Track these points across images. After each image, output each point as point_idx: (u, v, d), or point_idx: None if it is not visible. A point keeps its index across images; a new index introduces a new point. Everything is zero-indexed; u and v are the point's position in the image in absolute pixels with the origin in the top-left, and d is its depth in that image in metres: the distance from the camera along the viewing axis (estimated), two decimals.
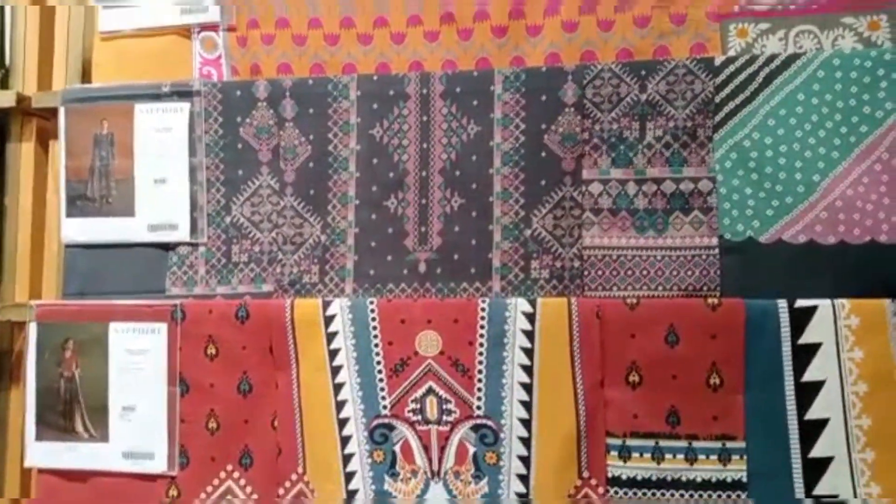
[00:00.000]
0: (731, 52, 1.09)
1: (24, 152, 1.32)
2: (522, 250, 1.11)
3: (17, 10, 1.34)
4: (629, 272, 1.07)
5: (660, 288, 1.05)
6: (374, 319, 1.08)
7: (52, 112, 1.30)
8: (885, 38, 1.05)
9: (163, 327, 1.15)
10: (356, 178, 1.17)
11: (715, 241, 1.04)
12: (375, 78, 1.19)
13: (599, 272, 1.08)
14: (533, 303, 1.05)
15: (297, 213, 1.19)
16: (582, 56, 1.16)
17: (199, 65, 1.29)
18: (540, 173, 1.11)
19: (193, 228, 1.22)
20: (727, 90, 1.06)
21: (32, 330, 1.19)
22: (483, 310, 1.05)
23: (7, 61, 1.35)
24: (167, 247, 1.23)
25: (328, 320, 1.10)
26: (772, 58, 1.05)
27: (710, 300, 1.00)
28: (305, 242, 1.18)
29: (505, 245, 1.11)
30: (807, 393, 0.96)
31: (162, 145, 1.23)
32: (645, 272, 1.06)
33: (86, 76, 1.33)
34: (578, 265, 1.09)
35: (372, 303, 1.09)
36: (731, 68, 1.06)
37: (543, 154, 1.12)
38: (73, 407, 1.18)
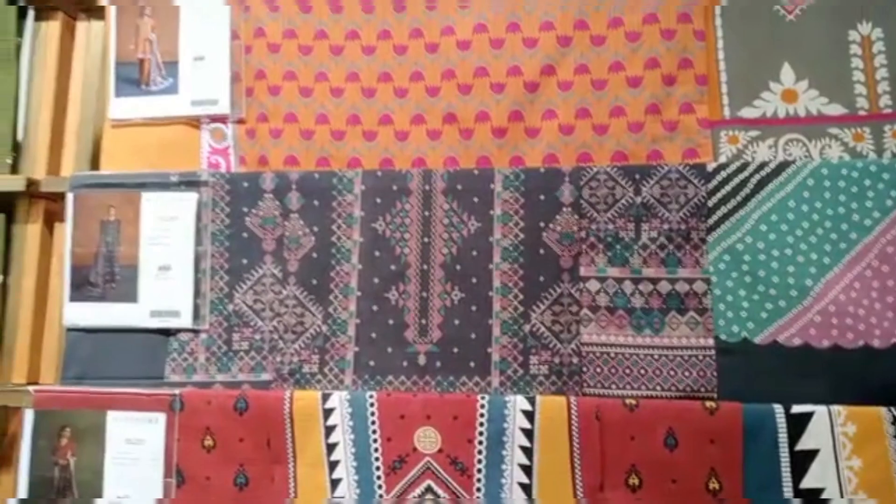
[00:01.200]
0: (723, 158, 1.11)
1: (30, 234, 1.30)
2: (521, 345, 1.09)
3: (31, 95, 1.34)
4: (627, 370, 1.05)
5: (658, 388, 1.03)
6: (373, 414, 1.05)
7: (61, 194, 1.28)
8: (868, 150, 1.06)
9: (161, 417, 1.12)
10: (358, 269, 1.16)
11: (711, 341, 1.03)
12: (379, 173, 1.19)
13: (598, 369, 1.06)
14: (532, 401, 1.02)
15: (299, 302, 1.17)
16: (578, 158, 1.17)
17: (207, 154, 1.29)
18: (538, 270, 1.11)
19: (196, 315, 1.19)
20: (719, 195, 1.06)
21: (28, 417, 1.15)
22: (483, 406, 1.03)
23: (19, 146, 1.34)
24: (168, 333, 1.20)
25: (327, 413, 1.07)
26: (762, 165, 1.06)
27: (708, 404, 0.98)
28: (306, 332, 1.16)
29: (504, 340, 1.09)
30: (806, 500, 0.93)
31: (168, 233, 1.22)
32: (643, 371, 1.05)
33: (95, 162, 1.32)
34: (577, 362, 1.07)
35: (371, 396, 1.06)
36: (723, 174, 1.06)
37: (542, 251, 1.11)
38: (65, 497, 1.13)
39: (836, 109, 1.09)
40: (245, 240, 1.20)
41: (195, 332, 1.19)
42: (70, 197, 1.25)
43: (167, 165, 1.27)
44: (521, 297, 1.10)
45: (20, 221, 1.31)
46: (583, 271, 1.09)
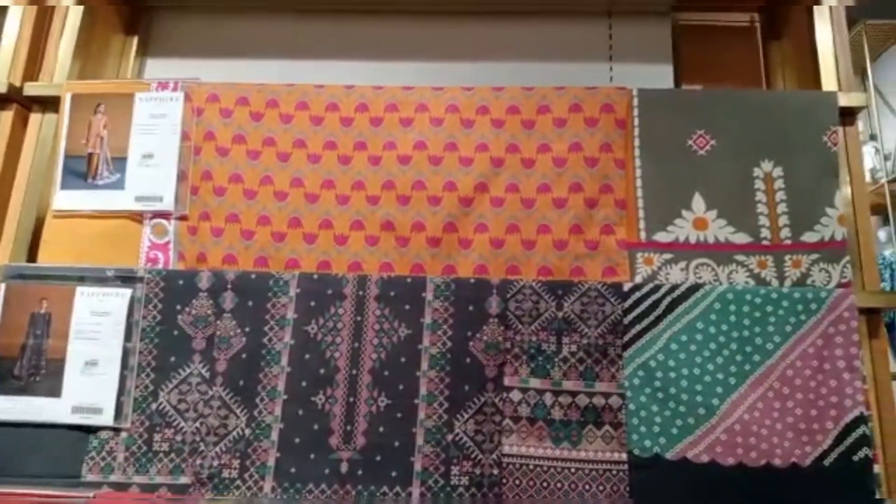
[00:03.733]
0: (639, 278, 1.12)
1: None
2: (444, 455, 1.05)
3: None
4: (545, 483, 1.02)
5: (573, 502, 1.00)
6: None
7: None
8: (772, 276, 1.09)
9: None
10: (287, 372, 1.12)
11: (625, 456, 1.01)
12: (315, 276, 1.16)
13: (517, 481, 1.03)
14: None
15: (224, 403, 1.11)
16: (507, 269, 1.17)
17: (146, 249, 1.25)
18: (464, 378, 1.08)
19: (118, 413, 1.12)
20: (635, 313, 1.07)
21: None
22: None
23: None
24: (89, 430, 1.12)
25: None
26: (674, 287, 1.08)
27: None
28: (229, 434, 1.09)
29: (426, 449, 1.05)
30: None
31: (98, 328, 1.16)
32: (559, 485, 1.02)
33: (32, 252, 1.27)
34: (497, 473, 1.03)
35: None
36: (638, 294, 1.08)
37: (468, 360, 1.09)
38: None
39: (742, 238, 1.12)
40: (175, 337, 1.15)
41: (116, 430, 1.12)
42: (2, 287, 1.18)
43: (106, 258, 1.22)
44: (445, 405, 1.07)
45: None
46: (507, 381, 1.08)
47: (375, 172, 1.24)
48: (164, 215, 1.25)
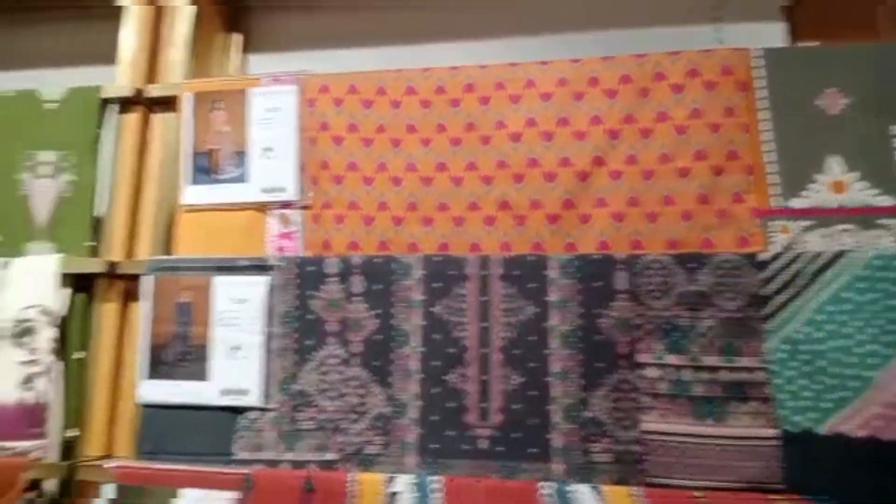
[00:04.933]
0: (775, 248, 1.04)
1: (108, 312, 1.27)
2: (582, 432, 1.02)
3: (111, 183, 1.32)
4: (691, 460, 0.97)
5: (723, 479, 0.95)
6: (438, 500, 0.98)
7: (136, 277, 1.25)
8: None
9: (231, 496, 1.05)
10: (419, 352, 1.10)
11: (774, 431, 0.95)
12: (438, 259, 1.14)
13: (660, 458, 0.98)
14: (597, 490, 0.95)
15: (361, 383, 1.11)
16: (631, 244, 1.11)
17: (273, 238, 1.25)
18: (596, 356, 1.04)
19: (264, 394, 1.14)
20: (774, 285, 1.00)
21: (108, 491, 1.09)
22: (547, 495, 0.95)
23: (99, 230, 1.31)
24: (237, 411, 1.15)
25: (391, 497, 1.00)
26: (816, 256, 0.99)
27: (772, 497, 0.90)
28: (369, 412, 1.09)
29: (563, 426, 1.02)
30: None
31: (238, 315, 1.17)
32: (706, 461, 0.97)
33: (168, 245, 1.29)
34: (639, 450, 0.99)
35: (437, 482, 0.99)
36: (777, 264, 1.00)
37: (599, 337, 1.05)
38: None
39: (885, 200, 1.02)
40: (310, 321, 1.15)
41: (263, 410, 1.14)
42: (148, 279, 1.21)
43: (236, 249, 1.24)
44: (579, 382, 1.04)
45: (99, 300, 1.27)
46: (641, 357, 1.03)
47: (487, 152, 1.20)
48: (288, 205, 1.25)
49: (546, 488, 0.95)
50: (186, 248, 1.27)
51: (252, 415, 1.14)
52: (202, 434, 1.15)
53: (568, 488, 0.95)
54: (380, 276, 1.14)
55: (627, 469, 0.99)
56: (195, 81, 1.33)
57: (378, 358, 1.11)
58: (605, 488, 0.94)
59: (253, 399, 1.14)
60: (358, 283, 1.15)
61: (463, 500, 0.97)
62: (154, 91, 1.34)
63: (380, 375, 1.10)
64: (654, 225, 1.11)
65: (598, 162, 1.15)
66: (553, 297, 1.07)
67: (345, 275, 1.15)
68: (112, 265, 1.25)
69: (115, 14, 1.39)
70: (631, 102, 1.16)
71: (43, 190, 1.33)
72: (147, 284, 1.21)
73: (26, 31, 1.65)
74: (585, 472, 0.99)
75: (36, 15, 1.63)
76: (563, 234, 1.14)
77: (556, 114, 1.18)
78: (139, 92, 1.33)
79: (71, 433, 1.21)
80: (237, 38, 1.59)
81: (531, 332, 1.07)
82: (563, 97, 1.19)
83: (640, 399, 1.01)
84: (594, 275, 1.07)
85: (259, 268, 1.19)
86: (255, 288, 1.17)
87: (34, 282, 1.24)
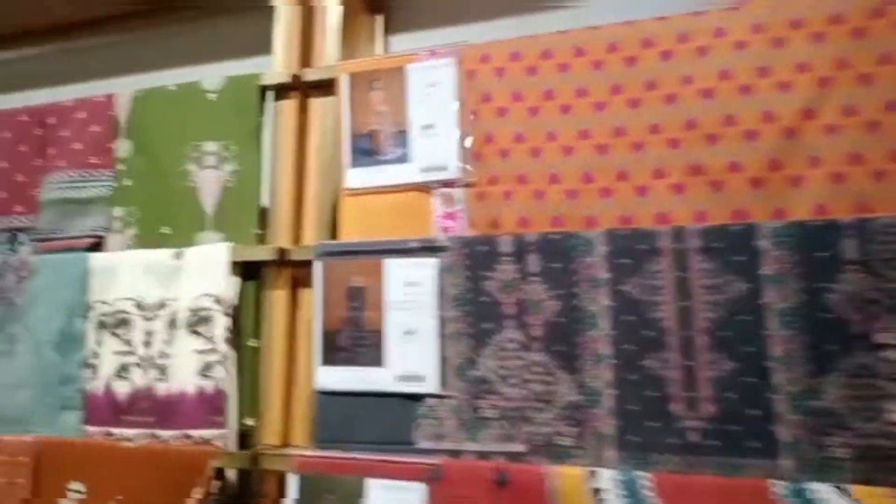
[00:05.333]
0: None
1: (278, 300, 1.26)
2: (815, 424, 0.88)
3: (274, 170, 1.31)
4: None
5: None
6: (651, 498, 0.88)
7: (305, 262, 1.23)
8: None
9: (420, 487, 1.01)
10: (610, 336, 1.00)
11: None
12: (624, 233, 1.03)
13: None
14: (844, 491, 0.81)
15: (546, 369, 1.03)
16: (855, 207, 0.95)
17: (438, 218, 1.19)
18: (824, 336, 0.90)
19: (442, 381, 1.09)
20: None
21: (294, 482, 1.08)
22: (783, 496, 0.83)
23: (265, 217, 1.31)
24: (415, 398, 1.10)
25: (595, 493, 0.91)
26: None
27: None
28: (558, 401, 1.01)
29: (791, 417, 0.89)
30: None
31: (411, 299, 1.12)
32: None
33: (332, 230, 1.27)
34: (887, 444, 0.85)
35: (647, 478, 0.89)
36: None
37: (826, 315, 0.90)
38: None
39: None
40: (485, 304, 1.08)
41: (441, 398, 1.08)
42: (318, 265, 1.19)
43: (401, 231, 1.19)
44: (806, 367, 0.90)
45: (269, 288, 1.27)
46: (880, 338, 0.88)
47: (672, 112, 1.07)
48: (451, 184, 1.18)
49: (779, 487, 0.83)
50: (350, 232, 1.24)
51: (431, 402, 1.09)
52: (380, 422, 1.11)
53: (806, 487, 0.82)
54: (558, 253, 1.05)
55: (874, 466, 0.84)
56: (351, 62, 1.29)
57: (562, 342, 1.03)
58: (856, 489, 0.81)
59: (430, 385, 1.09)
60: (534, 262, 1.07)
61: (678, 499, 0.86)
62: (310, 75, 1.31)
63: (566, 361, 1.02)
64: (883, 184, 0.94)
65: (808, 115, 1.00)
66: (767, 270, 0.94)
67: (519, 254, 1.07)
68: (281, 252, 1.24)
69: (266, 6, 1.38)
70: (844, 45, 1.00)
71: (209, 180, 1.34)
72: (318, 270, 1.18)
73: (187, 28, 1.68)
74: (822, 469, 0.86)
75: (188, 13, 1.66)
76: (770, 200, 1.00)
77: (753, 63, 1.04)
78: (296, 77, 1.31)
79: (249, 421, 1.21)
80: (380, 20, 1.55)
81: (742, 311, 0.94)
82: (761, 44, 1.04)
83: (883, 386, 0.86)
84: (815, 244, 0.92)
85: (429, 249, 1.13)
86: (425, 270, 1.12)
87: (206, 271, 1.25)
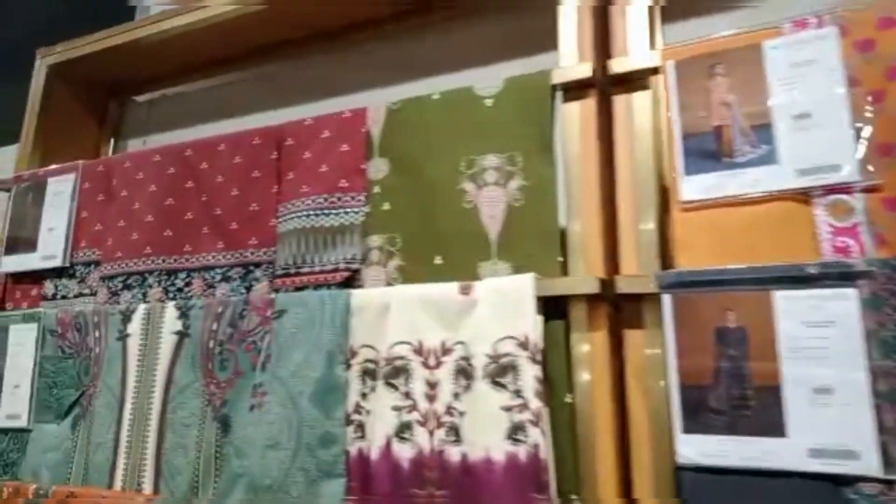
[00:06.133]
0: None
1: (596, 343, 0.98)
2: None
3: (571, 184, 1.06)
4: None
5: None
6: None
7: (628, 297, 0.96)
8: None
9: None
10: None
11: None
12: None
13: None
14: None
15: None
16: None
17: (827, 235, 0.88)
18: None
19: (883, 458, 0.76)
20: None
21: None
22: None
23: (565, 241, 1.05)
24: (839, 480, 0.78)
25: None
26: None
27: None
28: None
29: None
30: None
31: (822, 343, 0.81)
32: None
33: (662, 254, 0.99)
34: None
35: None
36: None
37: None
38: None
39: None
40: None
41: (889, 483, 0.76)
42: (668, 299, 0.91)
43: (767, 252, 0.90)
44: None
45: (582, 329, 1.00)
46: None
47: None
48: (845, 189, 0.88)
49: None
50: (694, 256, 0.96)
51: (868, 488, 0.76)
52: None
53: None
54: None
55: None
56: (677, 47, 1.03)
57: None
58: None
59: (866, 465, 0.77)
60: None
61: None
62: (618, 66, 1.05)
63: None
64: None
65: None
66: None
67: None
68: (604, 284, 0.96)
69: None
70: None
71: (491, 200, 1.10)
72: (668, 305, 0.90)
73: (456, 29, 1.49)
74: None
75: (434, 17, 1.46)
76: None
77: None
78: (598, 72, 1.06)
79: (574, 499, 0.93)
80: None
81: None
82: None
83: None
84: None
85: (837, 276, 0.82)
86: (841, 304, 0.81)
87: (506, 309, 1.00)
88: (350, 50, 1.56)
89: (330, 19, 1.51)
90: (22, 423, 1.43)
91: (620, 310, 0.99)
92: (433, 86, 1.26)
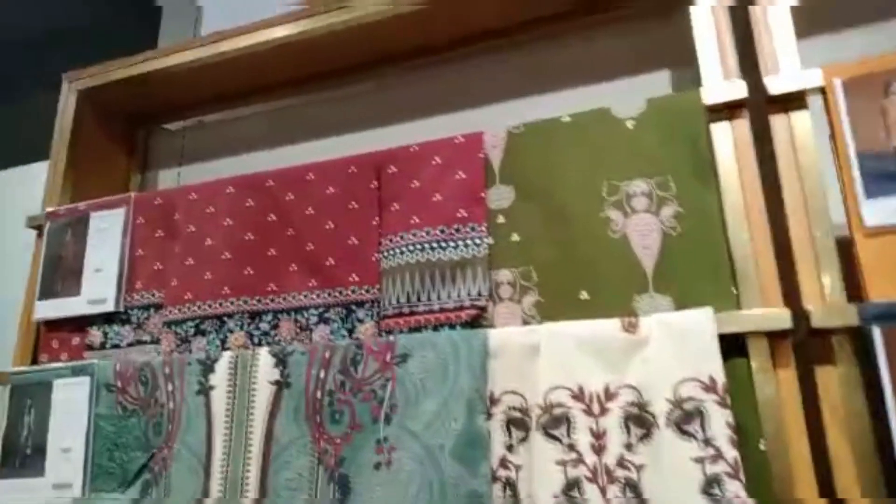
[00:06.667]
0: None
1: (785, 383, 0.90)
2: None
3: (731, 210, 0.98)
4: None
5: None
6: None
7: (813, 332, 0.88)
8: None
9: None
10: None
11: None
12: None
13: None
14: None
15: None
16: None
17: None
18: None
19: None
20: None
21: None
22: None
23: (735, 272, 0.97)
24: None
25: None
26: None
27: None
28: None
29: None
30: None
31: None
32: None
33: (852, 283, 0.92)
34: None
35: None
36: None
37: None
38: None
39: None
40: None
41: None
42: (878, 334, 0.83)
43: None
44: None
45: (767, 369, 0.91)
46: None
47: None
48: None
49: None
50: (883, 285, 0.89)
51: None
52: None
53: None
54: None
55: None
56: (838, 65, 0.98)
57: None
58: None
59: None
60: None
61: None
62: (777, 85, 0.99)
63: None
64: None
65: None
66: None
67: None
68: (799, 318, 0.88)
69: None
70: None
71: (642, 229, 1.01)
72: (878, 341, 0.82)
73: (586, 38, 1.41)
74: None
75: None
76: None
77: None
78: (754, 89, 0.99)
79: None
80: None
81: None
82: None
83: None
84: None
85: None
86: None
87: (684, 347, 0.91)
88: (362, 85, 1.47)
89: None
90: (75, 492, 1.24)
91: (805, 345, 0.91)
92: (535, 104, 1.18)
